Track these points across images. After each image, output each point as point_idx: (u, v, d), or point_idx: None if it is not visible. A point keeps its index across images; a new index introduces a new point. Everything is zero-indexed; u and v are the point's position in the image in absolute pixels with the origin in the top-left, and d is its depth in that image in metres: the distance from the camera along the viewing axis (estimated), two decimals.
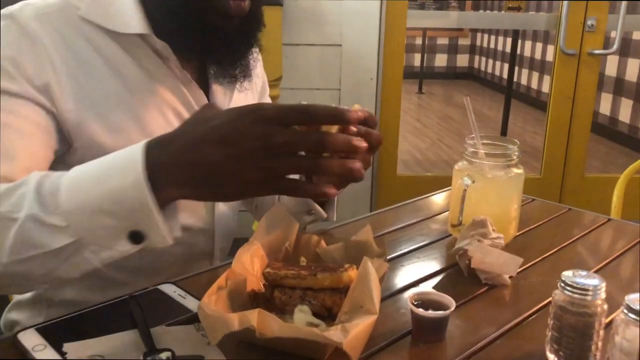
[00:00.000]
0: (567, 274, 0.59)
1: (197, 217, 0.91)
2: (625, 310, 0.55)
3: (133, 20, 0.80)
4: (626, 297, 0.55)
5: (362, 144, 0.59)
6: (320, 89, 2.65)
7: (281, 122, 0.56)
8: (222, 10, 0.78)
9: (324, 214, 0.93)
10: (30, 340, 0.59)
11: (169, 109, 0.85)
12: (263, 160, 0.56)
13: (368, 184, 2.72)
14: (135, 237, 0.60)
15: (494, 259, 0.79)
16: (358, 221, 1.04)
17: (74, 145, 0.79)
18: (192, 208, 0.90)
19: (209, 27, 0.79)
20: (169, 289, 0.71)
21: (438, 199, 1.21)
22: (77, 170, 0.62)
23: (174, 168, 0.58)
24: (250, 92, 0.99)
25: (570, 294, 0.58)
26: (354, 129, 0.65)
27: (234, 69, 0.85)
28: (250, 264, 0.70)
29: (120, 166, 0.60)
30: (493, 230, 0.83)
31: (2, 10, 0.78)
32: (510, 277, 0.81)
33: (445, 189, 1.24)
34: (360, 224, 0.83)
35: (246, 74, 0.87)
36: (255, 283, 0.69)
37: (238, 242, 0.81)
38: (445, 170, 4.30)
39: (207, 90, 0.90)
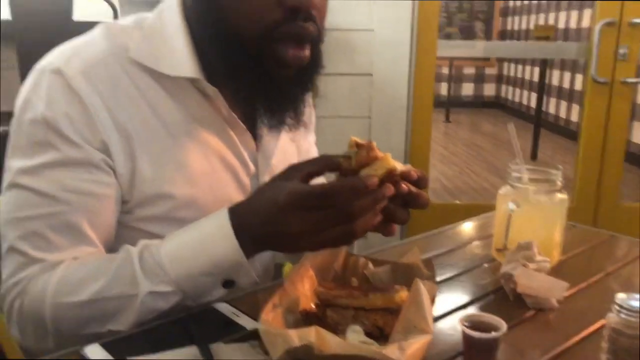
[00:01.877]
0: (621, 297, 0.60)
1: None
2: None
3: (184, 63, 0.79)
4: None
5: (389, 191, 0.68)
6: (351, 117, 2.67)
7: (307, 205, 0.68)
8: (281, 61, 0.76)
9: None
10: (96, 354, 0.62)
11: (213, 153, 0.84)
12: (311, 235, 0.69)
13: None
14: (227, 283, 0.74)
15: (540, 283, 0.79)
16: (402, 246, 1.05)
17: (125, 197, 0.79)
18: None
19: (266, 75, 0.78)
20: (224, 308, 0.73)
21: (474, 225, 1.21)
22: (174, 242, 0.74)
23: (254, 238, 0.72)
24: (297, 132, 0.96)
25: (625, 317, 0.58)
26: (404, 187, 0.71)
27: (286, 114, 0.83)
28: (301, 284, 0.72)
29: (214, 237, 0.72)
30: (539, 253, 0.84)
31: (46, 64, 0.77)
32: (557, 301, 0.81)
33: (481, 215, 1.24)
34: (405, 248, 0.84)
35: (297, 119, 0.85)
36: (307, 303, 0.70)
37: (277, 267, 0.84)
38: (473, 198, 4.27)
39: (253, 131, 0.88)
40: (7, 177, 0.77)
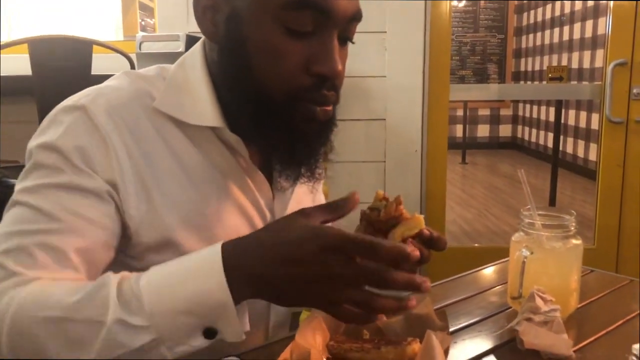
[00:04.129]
0: (637, 347, 0.58)
1: (251, 306, 0.91)
2: None
3: (207, 113, 0.80)
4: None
5: (426, 283, 0.63)
6: (366, 162, 2.69)
7: (344, 252, 0.61)
8: (308, 115, 0.77)
9: None
10: None
11: (233, 203, 0.84)
12: (324, 286, 0.62)
13: None
14: (209, 333, 0.65)
15: (543, 340, 0.78)
16: (415, 294, 1.03)
17: (134, 241, 0.78)
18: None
19: (290, 129, 0.78)
20: None
21: (492, 270, 1.20)
22: (156, 273, 0.67)
23: (248, 278, 0.65)
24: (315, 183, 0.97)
25: None
26: (426, 232, 0.74)
27: (304, 168, 0.84)
28: (313, 337, 0.71)
29: (200, 270, 0.65)
30: (549, 301, 0.82)
31: (71, 103, 0.78)
32: (575, 351, 0.79)
33: (499, 261, 1.23)
34: (419, 297, 0.83)
35: (313, 172, 0.85)
36: (318, 357, 0.70)
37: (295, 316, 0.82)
38: (493, 240, 4.22)
39: (269, 180, 0.89)
40: (9, 201, 0.76)
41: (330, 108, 0.79)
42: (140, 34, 2.27)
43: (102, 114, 0.77)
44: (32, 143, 0.78)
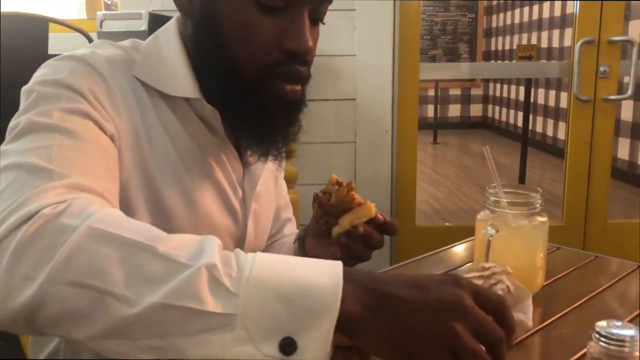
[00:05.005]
0: (601, 325, 0.58)
1: None
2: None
3: (185, 84, 0.80)
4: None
5: None
6: (336, 142, 2.67)
7: (476, 299, 0.54)
8: (277, 93, 0.78)
9: None
10: None
11: (210, 177, 0.85)
12: (447, 318, 0.53)
13: (387, 236, 2.69)
14: (286, 347, 0.52)
15: None
16: (390, 272, 1.02)
17: (121, 195, 0.75)
18: None
19: (260, 107, 0.79)
20: None
21: (461, 249, 1.19)
22: (270, 255, 0.57)
23: (367, 289, 0.55)
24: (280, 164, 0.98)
25: (606, 345, 0.56)
26: (380, 217, 0.78)
27: (272, 145, 0.84)
28: None
29: (319, 267, 0.55)
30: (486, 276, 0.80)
31: (66, 54, 0.77)
32: (540, 329, 0.79)
33: (468, 239, 1.22)
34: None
35: (280, 151, 0.85)
36: None
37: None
38: (464, 219, 4.26)
39: (240, 156, 0.89)
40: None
41: (299, 88, 0.79)
42: (102, 12, 2.19)
43: (104, 63, 0.77)
44: (26, 86, 0.73)
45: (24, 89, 0.74)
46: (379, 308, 0.54)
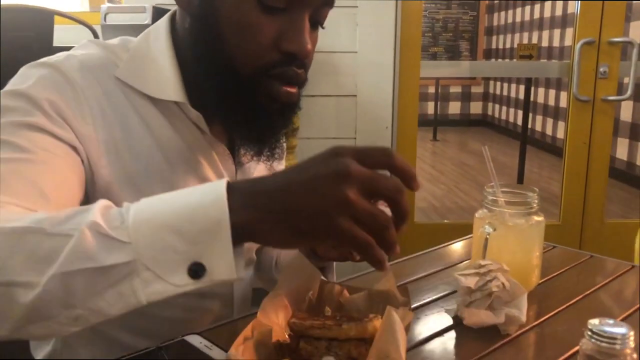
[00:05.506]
0: (593, 322, 0.59)
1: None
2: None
3: (170, 87, 0.80)
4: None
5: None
6: (336, 138, 2.68)
7: (359, 159, 0.55)
8: (271, 94, 0.77)
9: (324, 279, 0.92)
10: None
11: (199, 176, 0.85)
12: (334, 187, 0.54)
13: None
14: (196, 272, 0.55)
15: (474, 318, 0.81)
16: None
17: (91, 197, 0.77)
18: None
19: (256, 106, 0.78)
20: (195, 340, 0.72)
21: (459, 246, 1.21)
22: (151, 197, 0.58)
23: (251, 193, 0.57)
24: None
25: (598, 342, 0.58)
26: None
27: (265, 146, 0.84)
28: (275, 314, 0.71)
29: (198, 189, 0.57)
30: (482, 273, 0.83)
31: (40, 60, 0.77)
32: (535, 326, 0.80)
33: (466, 237, 1.24)
34: (382, 273, 0.83)
35: (273, 152, 0.85)
36: (280, 333, 0.69)
37: (261, 293, 0.81)
38: (462, 217, 4.28)
39: (233, 155, 0.90)
40: None
41: (295, 90, 0.79)
42: (106, 5, 2.20)
43: (76, 70, 0.76)
44: None
45: None
46: (268, 204, 0.55)
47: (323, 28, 0.81)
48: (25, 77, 0.74)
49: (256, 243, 0.59)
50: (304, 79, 0.80)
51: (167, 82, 0.80)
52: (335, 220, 0.53)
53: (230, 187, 0.56)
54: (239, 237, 0.55)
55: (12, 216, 0.58)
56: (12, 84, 0.75)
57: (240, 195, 0.56)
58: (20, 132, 0.69)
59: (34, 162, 0.68)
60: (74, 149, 0.74)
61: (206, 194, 0.56)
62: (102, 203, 0.57)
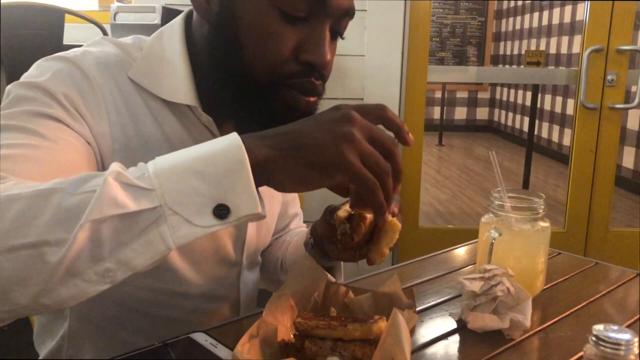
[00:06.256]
0: (598, 328, 0.59)
1: (222, 285, 0.92)
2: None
3: (182, 90, 0.80)
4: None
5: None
6: None
7: (359, 112, 0.62)
8: (292, 103, 0.77)
9: (332, 278, 0.90)
10: None
11: None
12: (341, 126, 0.60)
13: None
14: (220, 214, 0.56)
15: (478, 322, 0.81)
16: (385, 272, 1.05)
17: None
18: (217, 276, 0.91)
19: (270, 115, 0.77)
20: (201, 338, 0.72)
21: (463, 251, 1.21)
22: (163, 155, 0.59)
23: (264, 136, 0.61)
24: None
25: (602, 348, 0.58)
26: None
27: None
28: (281, 314, 0.71)
29: (213, 141, 0.59)
30: (487, 278, 0.83)
31: (56, 55, 0.77)
32: (539, 331, 0.81)
33: (471, 241, 1.24)
34: (387, 275, 0.84)
35: None
36: (285, 333, 0.70)
37: (266, 294, 0.82)
38: (466, 222, 4.27)
39: None
40: None
41: (314, 99, 0.78)
42: (115, 4, 2.22)
43: (93, 66, 0.77)
44: (9, 85, 0.74)
45: (7, 88, 0.74)
46: (281, 142, 0.60)
47: (342, 39, 0.81)
48: (42, 70, 0.75)
49: (272, 186, 0.61)
50: (322, 91, 0.80)
51: (180, 85, 0.80)
52: (344, 153, 0.58)
53: (242, 136, 0.59)
54: (256, 177, 0.57)
55: (30, 184, 0.57)
56: (28, 77, 0.75)
57: (253, 139, 0.59)
58: (37, 121, 0.70)
59: (52, 149, 0.68)
60: (88, 144, 0.74)
61: (220, 142, 0.58)
62: (117, 164, 0.57)
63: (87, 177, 0.56)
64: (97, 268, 0.53)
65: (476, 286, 0.81)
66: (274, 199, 1.00)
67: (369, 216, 0.72)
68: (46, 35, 1.67)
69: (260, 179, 0.58)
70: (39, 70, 0.75)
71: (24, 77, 0.75)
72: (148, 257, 0.54)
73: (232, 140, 0.58)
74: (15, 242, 0.52)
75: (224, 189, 0.56)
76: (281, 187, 0.61)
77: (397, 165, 0.63)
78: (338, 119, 0.60)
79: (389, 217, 0.72)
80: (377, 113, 0.64)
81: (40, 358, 0.93)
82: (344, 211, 0.73)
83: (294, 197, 1.11)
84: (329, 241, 0.84)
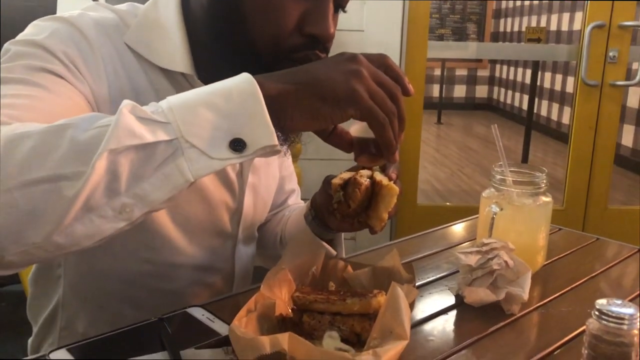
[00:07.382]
0: (601, 303, 0.58)
1: (217, 257, 0.91)
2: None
3: (178, 58, 0.78)
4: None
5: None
6: None
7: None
8: None
9: (333, 252, 0.90)
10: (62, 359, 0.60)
11: None
12: (350, 64, 0.61)
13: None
14: (236, 146, 0.56)
15: (474, 296, 0.80)
16: (384, 247, 1.04)
17: None
18: (212, 247, 0.90)
19: None
20: (198, 312, 0.71)
21: (463, 227, 1.20)
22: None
23: (275, 75, 0.61)
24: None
25: (605, 323, 0.57)
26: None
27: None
28: (279, 288, 0.70)
29: (227, 80, 0.59)
30: (483, 252, 0.82)
31: (52, 15, 0.76)
32: (539, 307, 0.80)
33: (470, 217, 1.23)
34: (387, 250, 0.83)
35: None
36: (283, 307, 0.69)
37: (261, 271, 0.81)
38: (464, 200, 4.27)
39: None
40: None
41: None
42: None
43: (91, 28, 0.76)
44: (7, 43, 0.72)
45: (5, 45, 0.73)
46: (294, 78, 0.61)
47: (345, 12, 0.80)
48: (39, 29, 0.73)
49: (284, 122, 0.60)
50: None
51: (175, 52, 0.79)
52: (355, 87, 0.60)
53: (256, 77, 0.58)
54: (269, 112, 0.57)
55: (39, 124, 0.56)
56: (25, 35, 0.73)
57: (265, 76, 0.60)
58: (38, 74, 0.68)
59: (54, 102, 0.67)
60: (88, 103, 0.73)
61: (232, 79, 0.58)
62: (128, 101, 0.56)
63: (99, 115, 0.56)
64: (113, 203, 0.52)
65: (472, 260, 0.80)
66: (270, 174, 0.98)
67: (364, 182, 0.71)
68: (39, 7, 1.64)
69: (273, 114, 0.57)
70: (37, 29, 0.73)
71: (21, 36, 0.73)
72: (166, 190, 0.54)
73: (244, 77, 0.58)
74: (30, 177, 0.51)
75: (239, 122, 0.56)
76: (292, 123, 0.60)
77: (401, 110, 0.64)
78: (346, 59, 0.62)
79: (387, 181, 0.71)
80: (380, 60, 0.65)
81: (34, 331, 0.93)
82: (339, 179, 0.72)
83: (290, 173, 1.10)
84: (328, 212, 0.83)
